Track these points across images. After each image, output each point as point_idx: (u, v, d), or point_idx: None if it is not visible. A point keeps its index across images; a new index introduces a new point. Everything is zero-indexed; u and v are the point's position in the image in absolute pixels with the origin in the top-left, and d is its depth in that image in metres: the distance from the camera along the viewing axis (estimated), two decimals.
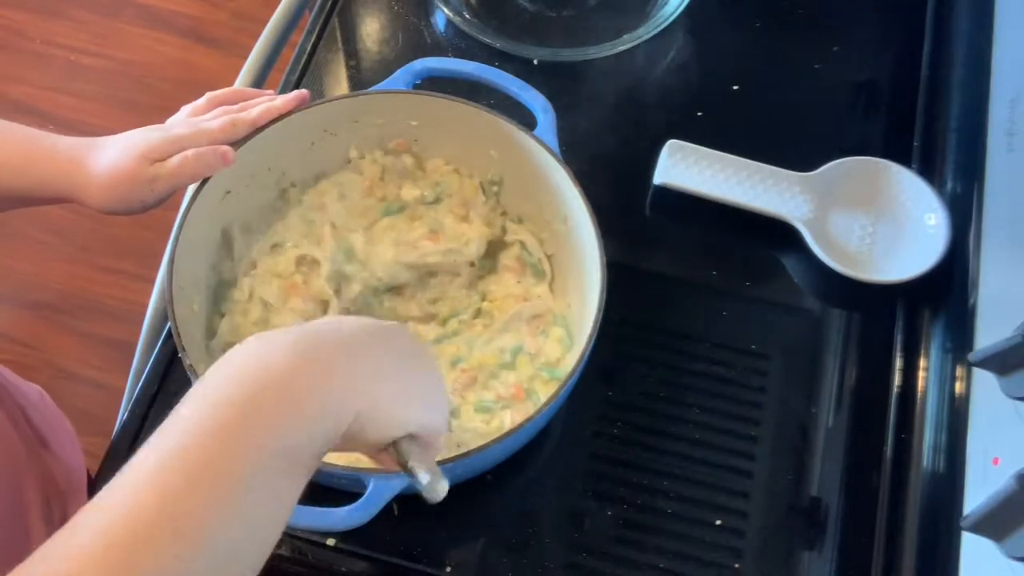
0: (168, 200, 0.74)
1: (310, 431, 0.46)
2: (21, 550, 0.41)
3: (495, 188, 0.83)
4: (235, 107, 0.77)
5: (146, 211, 0.74)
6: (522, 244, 0.82)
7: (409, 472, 0.54)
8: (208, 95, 0.78)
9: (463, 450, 0.68)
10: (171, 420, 0.45)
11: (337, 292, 0.78)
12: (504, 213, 0.83)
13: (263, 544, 0.44)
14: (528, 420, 0.66)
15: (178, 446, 0.43)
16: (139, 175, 0.70)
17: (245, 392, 0.45)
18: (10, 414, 0.79)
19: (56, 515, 0.79)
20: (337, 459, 0.70)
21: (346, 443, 0.50)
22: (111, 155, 0.71)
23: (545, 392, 0.74)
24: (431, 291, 0.82)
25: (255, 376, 0.46)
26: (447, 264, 0.81)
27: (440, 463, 0.64)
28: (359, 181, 0.82)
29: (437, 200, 0.83)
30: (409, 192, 0.83)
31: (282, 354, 0.47)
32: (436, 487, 0.54)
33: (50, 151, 0.71)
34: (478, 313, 0.80)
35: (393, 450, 0.54)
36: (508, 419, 0.73)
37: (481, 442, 0.69)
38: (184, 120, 0.76)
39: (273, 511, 0.45)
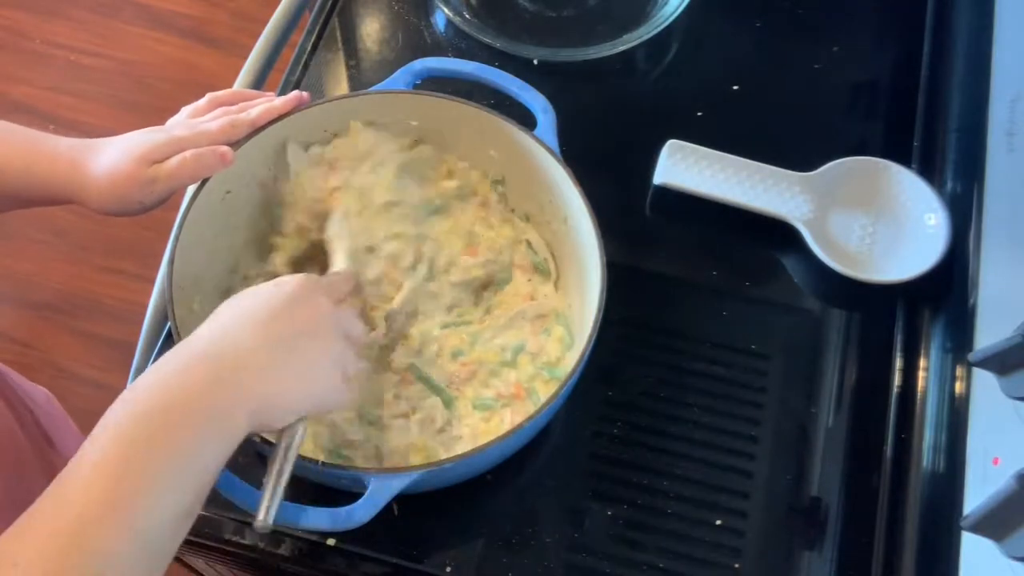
0: (168, 200, 0.74)
1: (210, 449, 0.53)
2: None
3: (500, 188, 0.83)
4: (235, 108, 0.77)
5: (145, 212, 0.74)
6: (528, 243, 0.82)
7: (271, 469, 0.58)
8: (209, 96, 0.78)
9: (462, 447, 0.68)
10: (86, 444, 0.51)
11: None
12: (513, 210, 0.84)
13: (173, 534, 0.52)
14: (528, 420, 0.66)
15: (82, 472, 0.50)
16: (138, 176, 0.70)
17: (149, 432, 0.51)
18: (18, 415, 0.79)
19: None
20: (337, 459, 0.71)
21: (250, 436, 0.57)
22: (110, 156, 0.71)
23: (545, 392, 0.74)
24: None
25: (149, 420, 0.52)
26: (487, 276, 0.81)
27: (440, 463, 0.64)
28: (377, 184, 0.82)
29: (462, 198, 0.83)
30: (448, 185, 0.83)
31: (178, 379, 0.54)
32: (265, 523, 0.57)
33: (51, 152, 0.71)
34: (487, 309, 0.80)
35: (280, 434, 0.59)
36: (508, 417, 0.73)
37: (480, 440, 0.69)
38: (184, 121, 0.76)
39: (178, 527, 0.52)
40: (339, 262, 0.75)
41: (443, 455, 0.71)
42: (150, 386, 0.53)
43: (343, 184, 0.78)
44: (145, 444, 0.50)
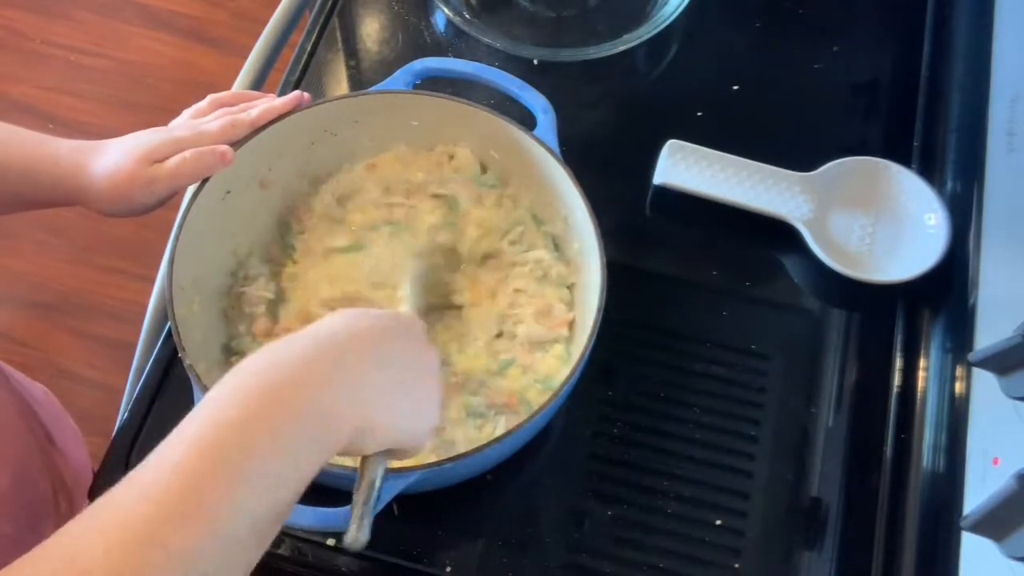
0: (169, 200, 0.74)
1: (307, 449, 0.47)
2: (30, 541, 0.42)
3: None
4: (235, 108, 0.77)
5: (147, 212, 0.74)
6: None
7: (353, 501, 0.55)
8: (210, 97, 0.78)
9: (455, 451, 0.68)
10: (180, 428, 0.46)
11: None
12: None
13: (264, 532, 0.46)
14: (528, 420, 0.66)
15: (177, 456, 0.44)
16: (138, 176, 0.71)
17: (248, 411, 0.46)
18: (20, 410, 0.79)
19: (64, 509, 0.79)
20: (337, 459, 0.70)
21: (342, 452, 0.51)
22: (111, 157, 0.72)
23: (538, 400, 0.73)
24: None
25: (260, 394, 0.47)
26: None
27: (440, 463, 0.64)
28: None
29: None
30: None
31: (290, 370, 0.48)
32: (358, 537, 0.54)
33: (53, 154, 0.72)
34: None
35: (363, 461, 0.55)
36: (502, 425, 0.73)
37: (474, 446, 0.69)
38: (185, 123, 0.76)
39: (262, 530, 0.46)
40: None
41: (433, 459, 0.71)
42: (260, 370, 0.48)
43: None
44: (244, 432, 0.45)
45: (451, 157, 0.83)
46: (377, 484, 0.55)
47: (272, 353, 0.49)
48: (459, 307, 0.79)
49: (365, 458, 0.55)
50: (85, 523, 0.42)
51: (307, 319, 0.76)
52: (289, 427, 0.46)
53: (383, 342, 0.54)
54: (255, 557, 0.46)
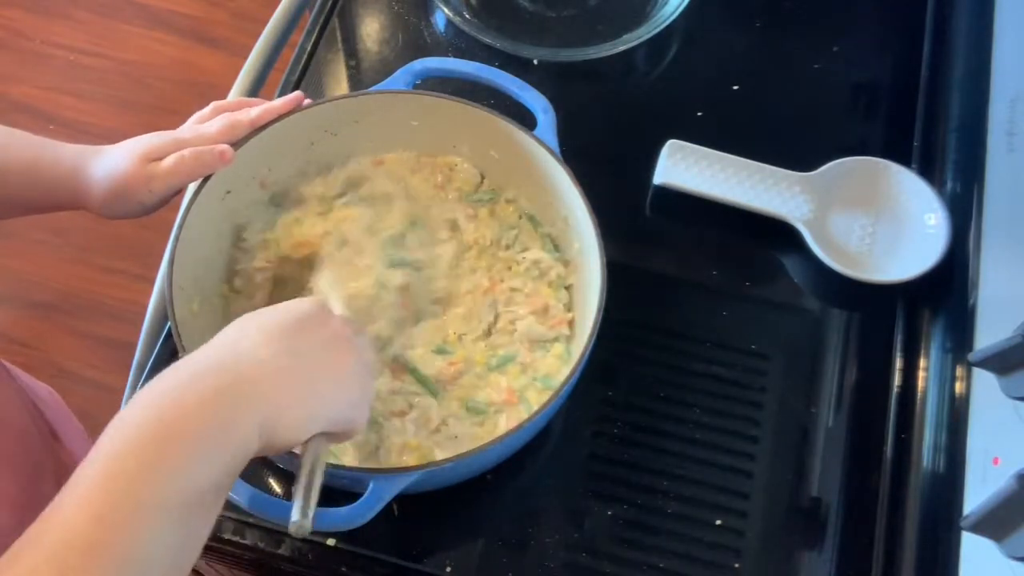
0: (169, 201, 0.74)
1: (209, 461, 0.49)
2: None
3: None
4: (235, 110, 0.77)
5: (147, 213, 0.74)
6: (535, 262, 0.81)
7: (299, 478, 0.55)
8: (213, 104, 0.79)
9: (457, 449, 0.68)
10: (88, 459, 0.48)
11: None
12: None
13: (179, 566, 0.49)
14: (528, 420, 0.66)
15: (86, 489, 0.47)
16: (137, 175, 0.71)
17: (145, 442, 0.48)
18: (27, 407, 0.79)
19: None
20: (337, 459, 0.70)
21: (260, 452, 0.53)
22: (111, 158, 0.72)
23: (538, 400, 0.73)
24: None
25: (154, 425, 0.49)
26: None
27: (440, 463, 0.64)
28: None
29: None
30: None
31: (176, 394, 0.50)
32: (302, 523, 0.54)
33: (55, 158, 0.72)
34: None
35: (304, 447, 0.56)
36: (502, 423, 0.73)
37: (476, 443, 0.69)
38: (187, 127, 0.77)
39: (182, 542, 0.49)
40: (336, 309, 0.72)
41: (439, 455, 0.71)
42: (149, 403, 0.50)
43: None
44: (141, 463, 0.47)
45: (451, 168, 0.84)
46: (314, 468, 0.56)
47: (160, 382, 0.51)
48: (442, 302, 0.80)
49: (305, 443, 0.56)
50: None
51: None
52: (190, 454, 0.48)
53: (280, 335, 0.55)
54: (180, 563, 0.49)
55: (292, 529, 0.54)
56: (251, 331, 0.55)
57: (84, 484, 0.47)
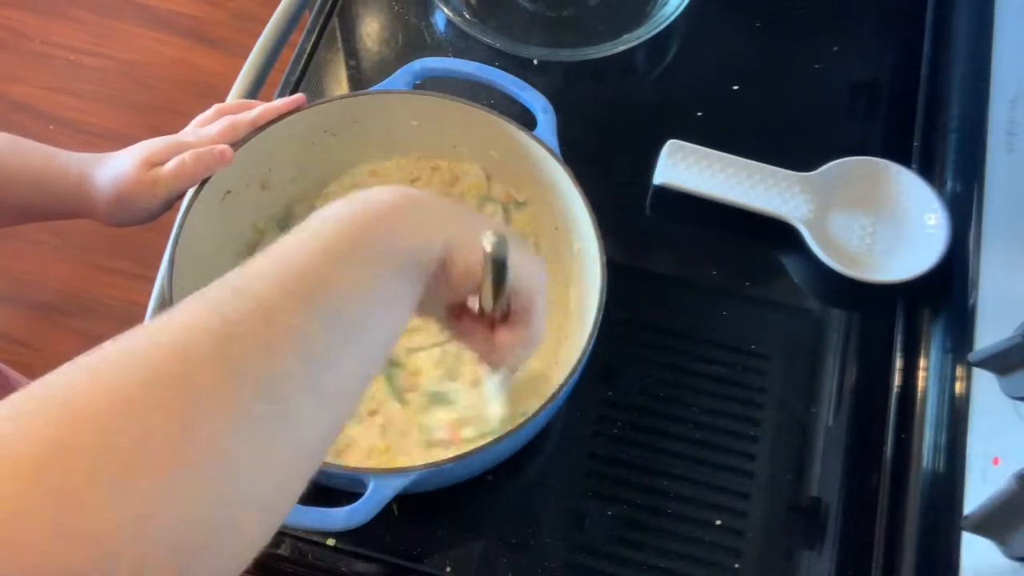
0: (173, 205, 0.75)
1: (408, 245, 0.48)
2: None
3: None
4: (236, 111, 0.78)
5: (152, 219, 0.75)
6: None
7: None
8: (215, 107, 0.79)
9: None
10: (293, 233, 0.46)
11: None
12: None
13: (386, 334, 0.47)
14: (528, 420, 0.66)
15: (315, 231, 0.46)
16: (141, 180, 0.71)
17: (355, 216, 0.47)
18: None
19: None
20: (337, 459, 0.71)
21: (442, 278, 0.51)
22: (115, 164, 0.73)
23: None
24: None
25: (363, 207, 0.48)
26: None
27: (440, 463, 0.64)
28: None
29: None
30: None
31: (381, 195, 0.49)
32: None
33: (61, 167, 0.73)
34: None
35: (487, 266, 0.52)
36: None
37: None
38: (189, 130, 0.77)
39: (389, 303, 0.47)
40: None
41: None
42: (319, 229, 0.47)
43: None
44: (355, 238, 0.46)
45: (456, 178, 0.84)
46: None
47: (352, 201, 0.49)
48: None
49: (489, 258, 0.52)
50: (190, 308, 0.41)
51: None
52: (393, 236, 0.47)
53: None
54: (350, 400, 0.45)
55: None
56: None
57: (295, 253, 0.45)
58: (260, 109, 0.77)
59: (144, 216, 0.74)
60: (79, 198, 0.72)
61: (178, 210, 0.74)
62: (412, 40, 0.99)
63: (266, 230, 0.82)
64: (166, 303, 0.70)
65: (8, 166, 0.71)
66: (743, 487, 0.76)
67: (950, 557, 0.65)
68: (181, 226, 0.72)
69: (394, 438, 0.73)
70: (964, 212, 0.81)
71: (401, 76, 0.81)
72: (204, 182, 0.74)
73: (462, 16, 0.97)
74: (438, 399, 0.75)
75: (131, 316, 1.04)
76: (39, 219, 0.75)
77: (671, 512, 0.75)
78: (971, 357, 0.65)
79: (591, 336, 0.68)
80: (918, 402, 0.78)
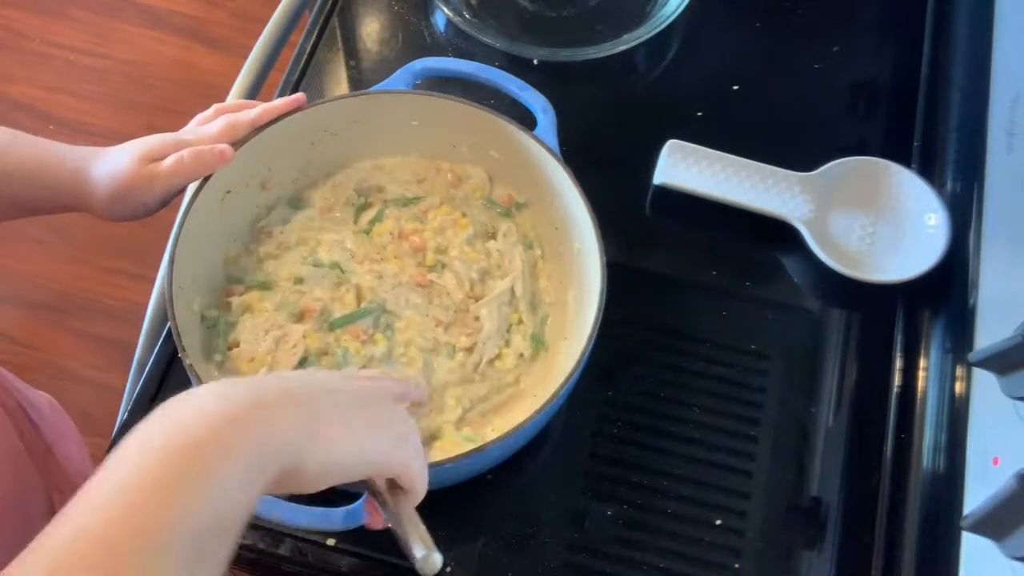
0: (170, 201, 0.74)
1: (219, 503, 0.43)
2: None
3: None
4: (236, 111, 0.78)
5: (149, 215, 0.74)
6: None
7: (398, 532, 0.51)
8: (215, 107, 0.79)
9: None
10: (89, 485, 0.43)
11: None
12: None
13: None
14: (527, 420, 0.66)
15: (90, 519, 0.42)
16: (139, 175, 0.71)
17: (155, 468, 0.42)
18: (18, 426, 0.79)
19: None
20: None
21: (284, 484, 0.47)
22: (113, 159, 0.72)
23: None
24: None
25: (165, 449, 0.43)
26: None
27: (438, 463, 0.64)
28: None
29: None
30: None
31: (194, 420, 0.44)
32: (430, 555, 0.50)
33: (58, 161, 0.72)
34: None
35: (373, 496, 0.51)
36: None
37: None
38: (189, 128, 0.77)
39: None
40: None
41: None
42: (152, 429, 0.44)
43: None
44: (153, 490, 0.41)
45: (460, 180, 0.84)
46: (402, 512, 0.52)
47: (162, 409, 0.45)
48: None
49: (382, 502, 0.53)
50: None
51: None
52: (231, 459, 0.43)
53: (335, 391, 0.51)
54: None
55: (419, 566, 0.50)
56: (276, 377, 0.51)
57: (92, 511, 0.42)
58: (260, 109, 0.76)
59: (141, 211, 0.73)
60: (76, 191, 0.72)
61: (178, 209, 0.74)
62: (412, 40, 0.99)
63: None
64: (166, 303, 0.70)
65: (6, 160, 0.71)
66: (743, 487, 0.76)
67: (950, 557, 0.65)
68: (181, 225, 0.72)
69: None
70: (964, 212, 0.81)
71: (401, 76, 0.81)
72: (204, 181, 0.74)
73: (462, 16, 0.97)
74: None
75: (131, 316, 1.04)
76: (37, 212, 0.74)
77: (671, 512, 0.75)
78: (971, 357, 0.65)
79: (591, 336, 0.68)
80: (918, 402, 0.78)
